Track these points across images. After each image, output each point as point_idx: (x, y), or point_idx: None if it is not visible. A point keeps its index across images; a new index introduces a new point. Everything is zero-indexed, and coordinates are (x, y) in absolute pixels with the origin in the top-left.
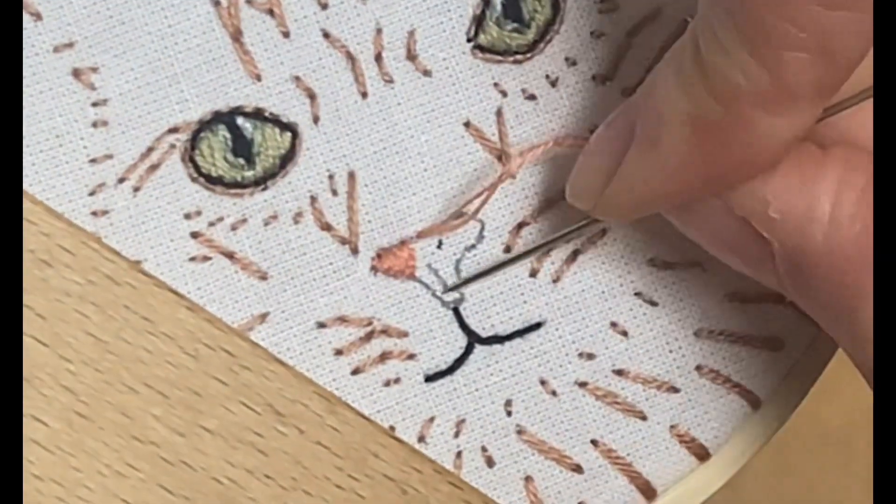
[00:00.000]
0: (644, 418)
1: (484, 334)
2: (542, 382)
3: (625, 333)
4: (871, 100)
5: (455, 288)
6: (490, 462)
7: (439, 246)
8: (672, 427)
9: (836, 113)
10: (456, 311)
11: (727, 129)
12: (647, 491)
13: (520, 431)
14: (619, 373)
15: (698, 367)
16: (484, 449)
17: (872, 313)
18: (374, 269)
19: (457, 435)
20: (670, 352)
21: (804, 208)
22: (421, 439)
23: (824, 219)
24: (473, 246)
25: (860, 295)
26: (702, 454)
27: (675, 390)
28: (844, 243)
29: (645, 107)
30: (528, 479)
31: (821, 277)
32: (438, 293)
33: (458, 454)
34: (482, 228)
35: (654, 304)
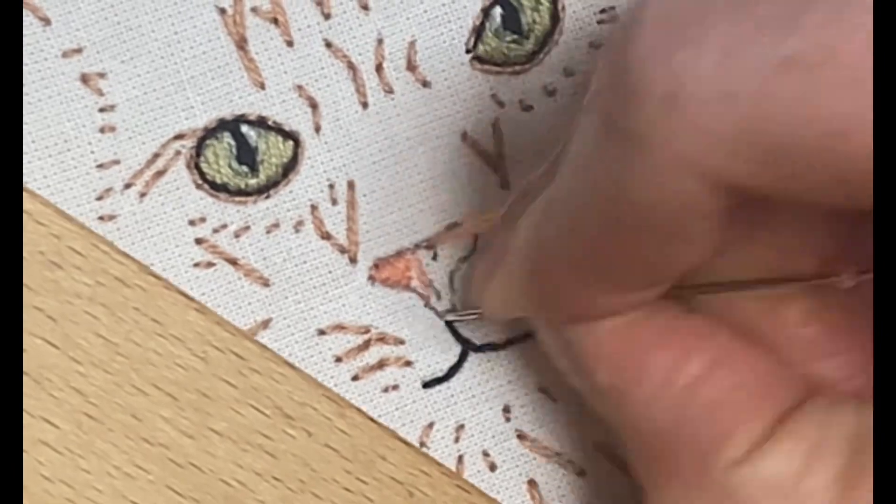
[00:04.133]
0: None
1: (478, 342)
2: (541, 389)
3: None
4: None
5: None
6: (492, 466)
7: (434, 257)
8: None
9: (704, 293)
10: (448, 323)
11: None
12: None
13: (520, 436)
14: None
15: None
16: (486, 453)
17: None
18: (371, 278)
19: (457, 440)
20: None
21: (633, 373)
22: (422, 444)
23: (651, 390)
24: (467, 257)
25: (655, 476)
26: None
27: None
28: (660, 421)
29: (504, 248)
30: (531, 482)
31: (633, 444)
32: (434, 305)
33: (460, 458)
34: (476, 240)
35: None
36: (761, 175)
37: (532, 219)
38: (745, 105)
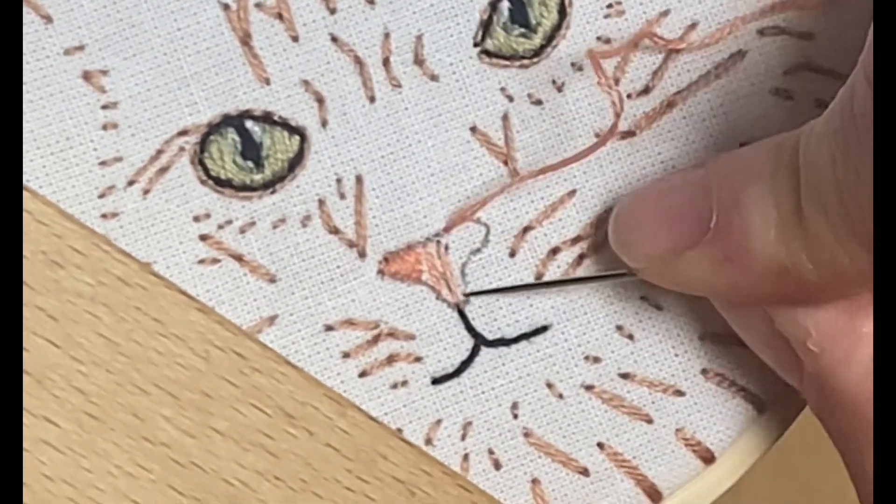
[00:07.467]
0: (650, 421)
1: (490, 337)
2: (549, 385)
3: (631, 337)
4: None
5: (473, 294)
6: (497, 465)
7: (445, 250)
8: (678, 430)
9: None
10: (461, 312)
11: (814, 284)
12: (653, 494)
13: (526, 434)
14: (625, 376)
15: (704, 371)
16: (491, 451)
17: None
18: (381, 272)
19: (464, 437)
20: (676, 355)
21: (844, 350)
22: (428, 442)
23: (862, 364)
24: (479, 250)
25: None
26: (707, 457)
27: (681, 394)
28: None
29: (730, 225)
30: (534, 481)
31: (845, 412)
32: (445, 297)
33: (465, 457)
34: (487, 232)
35: (659, 307)
36: None
37: (769, 225)
38: None
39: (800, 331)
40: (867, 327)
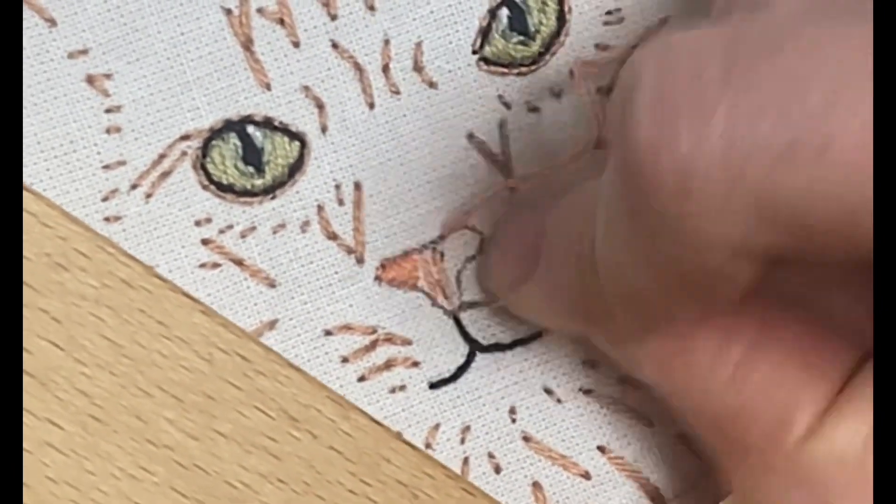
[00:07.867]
0: (651, 425)
1: (485, 342)
2: (547, 391)
3: None
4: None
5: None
6: (497, 468)
7: (441, 257)
8: (680, 434)
9: None
10: (456, 319)
11: (617, 324)
12: (657, 497)
13: (526, 438)
14: (625, 381)
15: None
16: (491, 455)
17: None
18: (378, 278)
19: (462, 441)
20: None
21: (674, 381)
22: (428, 446)
23: (693, 393)
24: (474, 257)
25: (728, 458)
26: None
27: None
28: (718, 410)
29: (532, 255)
30: (535, 485)
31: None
32: (441, 304)
33: (465, 460)
34: (482, 240)
35: None
36: (782, 244)
37: (577, 247)
38: (755, 191)
39: (633, 365)
40: (691, 355)
